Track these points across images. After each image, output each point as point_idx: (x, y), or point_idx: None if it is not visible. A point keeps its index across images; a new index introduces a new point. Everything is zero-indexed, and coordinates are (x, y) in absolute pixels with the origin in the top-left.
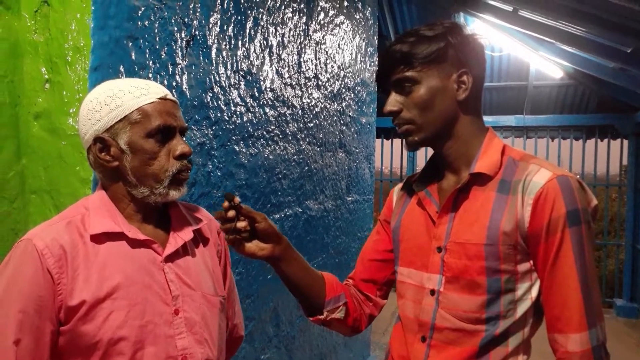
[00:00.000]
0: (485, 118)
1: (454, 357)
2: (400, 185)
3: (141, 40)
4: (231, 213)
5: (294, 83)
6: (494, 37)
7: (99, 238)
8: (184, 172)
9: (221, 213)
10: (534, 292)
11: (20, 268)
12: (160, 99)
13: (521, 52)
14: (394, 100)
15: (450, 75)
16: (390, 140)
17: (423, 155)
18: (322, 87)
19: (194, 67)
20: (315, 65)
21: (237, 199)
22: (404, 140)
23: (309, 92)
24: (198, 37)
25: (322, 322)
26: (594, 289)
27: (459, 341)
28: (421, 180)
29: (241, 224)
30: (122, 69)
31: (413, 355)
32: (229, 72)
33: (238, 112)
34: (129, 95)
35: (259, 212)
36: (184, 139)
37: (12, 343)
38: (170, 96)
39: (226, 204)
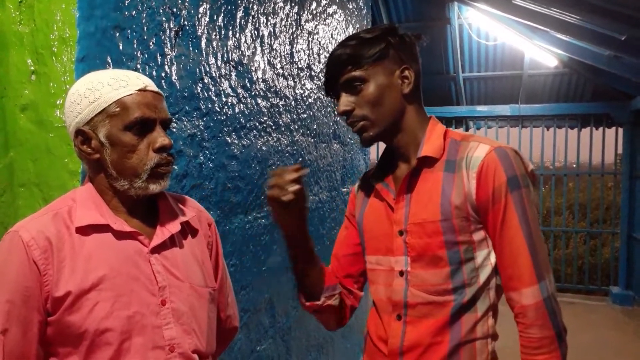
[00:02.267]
0: (480, 108)
1: (429, 329)
2: (359, 181)
3: (128, 31)
4: (291, 175)
5: (286, 74)
6: (488, 26)
7: (85, 230)
8: (164, 166)
9: (281, 169)
10: (493, 258)
11: (7, 260)
12: (139, 90)
13: (515, 41)
14: (346, 101)
15: (393, 72)
16: None
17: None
18: (315, 77)
19: (183, 58)
20: (308, 56)
21: (303, 172)
22: (358, 137)
23: (302, 82)
24: (187, 27)
25: (316, 308)
26: (539, 245)
27: (432, 313)
28: (377, 173)
29: (292, 189)
30: (109, 59)
31: (391, 334)
32: (219, 63)
33: (229, 103)
34: (107, 87)
35: (305, 196)
36: (168, 130)
37: None
38: (151, 87)
39: (293, 167)
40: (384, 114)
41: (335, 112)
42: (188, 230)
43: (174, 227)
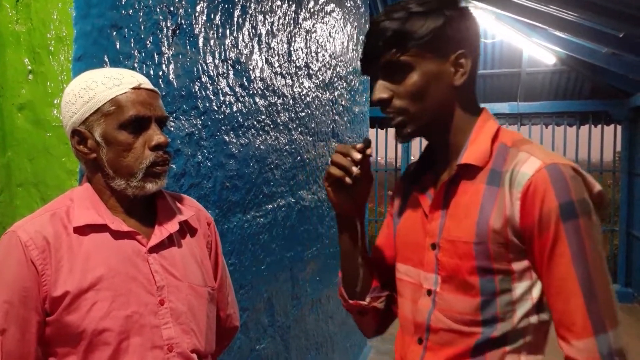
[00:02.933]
0: None
1: (449, 358)
2: (402, 176)
3: (125, 30)
4: (357, 156)
5: (284, 72)
6: (487, 23)
7: (83, 230)
8: (160, 165)
9: (347, 146)
10: (536, 292)
11: (5, 260)
12: (133, 88)
13: (514, 38)
14: (383, 87)
15: (447, 58)
16: (385, 130)
17: (418, 144)
18: (313, 76)
19: (180, 57)
20: (306, 54)
21: (370, 151)
22: (396, 131)
23: (300, 81)
24: (184, 26)
25: (359, 308)
26: (600, 290)
27: (454, 342)
28: (416, 172)
29: (357, 171)
30: (106, 58)
31: (409, 358)
32: (217, 61)
33: (227, 102)
34: (101, 86)
35: (371, 176)
36: (165, 129)
37: None
38: (146, 85)
39: (360, 145)
40: (427, 109)
41: (371, 98)
42: (187, 229)
43: (172, 226)
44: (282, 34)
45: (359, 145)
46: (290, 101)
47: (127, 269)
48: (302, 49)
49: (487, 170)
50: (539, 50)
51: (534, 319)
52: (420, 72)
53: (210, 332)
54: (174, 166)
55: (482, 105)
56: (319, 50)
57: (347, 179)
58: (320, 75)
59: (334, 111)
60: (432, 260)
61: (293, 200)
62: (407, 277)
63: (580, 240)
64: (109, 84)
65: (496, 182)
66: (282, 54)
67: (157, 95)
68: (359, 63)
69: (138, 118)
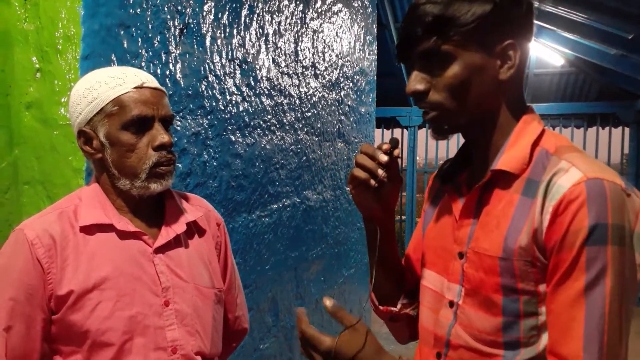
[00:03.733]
0: None
1: None
2: (437, 171)
3: (133, 29)
4: (384, 158)
5: (290, 72)
6: None
7: (89, 229)
8: (164, 165)
9: (372, 147)
10: None
11: (12, 257)
12: (136, 87)
13: None
14: (419, 78)
15: (493, 49)
16: (390, 130)
17: (423, 145)
18: (319, 76)
19: (187, 56)
20: (313, 54)
21: (398, 152)
22: (431, 127)
23: (307, 81)
24: (192, 25)
25: (390, 315)
26: (608, 334)
27: None
28: (450, 171)
29: (383, 174)
30: (114, 57)
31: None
32: (223, 61)
33: (234, 102)
34: (104, 86)
35: (401, 178)
36: (172, 128)
37: (2, 330)
38: (150, 83)
39: (387, 146)
40: (466, 105)
41: (405, 90)
42: (195, 230)
43: (179, 227)
44: (289, 33)
45: (385, 146)
46: (297, 101)
47: (132, 269)
48: (309, 49)
49: (524, 179)
50: (546, 52)
51: None
52: (463, 63)
53: (216, 334)
54: (180, 165)
55: None
56: (325, 50)
57: (373, 182)
58: (326, 75)
59: (340, 111)
60: (458, 270)
61: (298, 200)
62: (430, 284)
63: (603, 271)
64: (111, 83)
65: (532, 193)
66: (289, 53)
67: (161, 94)
68: (395, 49)
69: (140, 118)
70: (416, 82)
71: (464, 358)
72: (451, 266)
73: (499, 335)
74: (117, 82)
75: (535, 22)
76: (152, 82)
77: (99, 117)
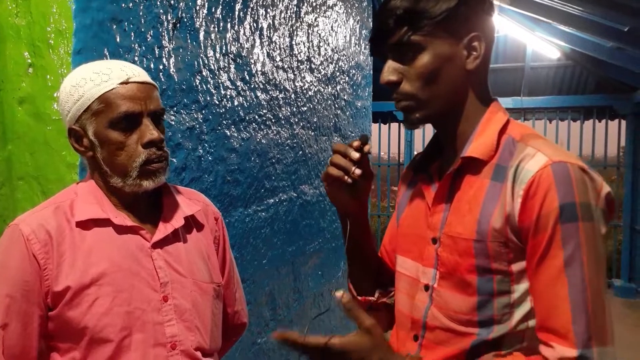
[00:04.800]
0: None
1: (444, 358)
2: (409, 164)
3: (126, 23)
4: (355, 155)
5: (286, 66)
6: None
7: (86, 224)
8: (155, 162)
9: (344, 146)
10: None
11: (7, 253)
12: (121, 83)
13: (517, 32)
14: (391, 69)
15: (460, 40)
16: (387, 124)
17: (420, 138)
18: (315, 70)
19: (181, 50)
20: (308, 48)
21: (369, 147)
22: (403, 117)
23: (302, 75)
24: (185, 20)
25: (368, 304)
26: (592, 302)
27: (450, 342)
28: (422, 161)
29: (358, 171)
30: (106, 52)
31: (405, 354)
32: (217, 55)
33: (228, 96)
34: (90, 83)
35: (372, 172)
36: (166, 123)
37: None
38: (137, 78)
39: (357, 143)
40: (437, 94)
41: (380, 82)
42: (193, 224)
43: (177, 221)
44: (283, 27)
45: (355, 143)
46: (292, 95)
47: (130, 265)
48: (303, 43)
49: (492, 165)
50: (543, 45)
51: (532, 322)
52: (432, 53)
53: (215, 329)
54: (174, 160)
55: None
56: (321, 44)
57: (347, 179)
58: (322, 70)
59: (336, 105)
60: (432, 255)
61: (295, 194)
62: (405, 270)
63: (577, 246)
64: (97, 80)
65: (501, 177)
66: (283, 47)
67: (150, 88)
68: (368, 44)
69: (128, 115)
70: (389, 72)
71: (440, 338)
72: (425, 252)
73: (474, 315)
74: (102, 78)
75: (531, 14)
76: (140, 75)
77: (86, 115)
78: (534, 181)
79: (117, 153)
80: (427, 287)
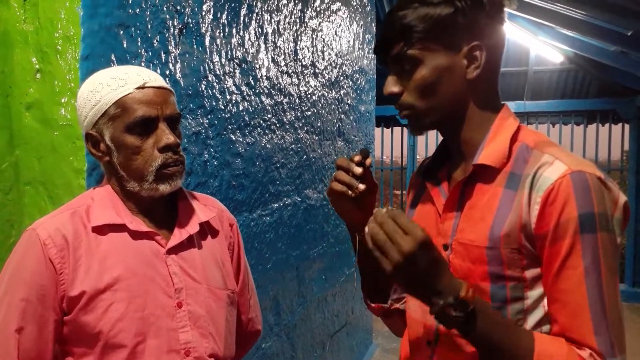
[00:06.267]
0: None
1: None
2: (417, 169)
3: (132, 29)
4: (358, 170)
5: (290, 71)
6: None
7: (102, 229)
8: (172, 166)
9: (346, 161)
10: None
11: (24, 257)
12: (138, 88)
13: (521, 37)
14: (393, 81)
15: (459, 50)
16: (390, 128)
17: (424, 142)
18: (319, 75)
19: (187, 56)
20: (312, 53)
21: (370, 161)
22: (408, 123)
23: (306, 80)
24: (191, 25)
25: (383, 311)
26: (610, 311)
27: (463, 349)
28: (430, 167)
29: (361, 186)
30: (113, 57)
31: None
32: (223, 60)
33: (234, 101)
34: (107, 88)
35: (375, 183)
36: (178, 126)
37: (14, 331)
38: (153, 82)
39: (358, 158)
40: (436, 105)
41: (383, 93)
42: (208, 230)
43: (192, 227)
44: (288, 32)
45: (356, 158)
46: (296, 100)
47: (145, 270)
48: (308, 48)
49: (506, 173)
50: (546, 49)
51: (545, 328)
52: (429, 66)
53: (229, 336)
54: None
55: None
56: (325, 49)
57: (350, 193)
58: (326, 74)
59: (340, 110)
60: None
61: (299, 199)
62: None
63: (596, 256)
64: (113, 85)
65: (515, 185)
66: (288, 52)
67: (166, 93)
68: (373, 63)
69: (144, 119)
70: (390, 85)
71: (455, 344)
72: None
73: None
74: (119, 83)
75: (534, 19)
76: (156, 80)
77: (103, 120)
78: (553, 189)
79: (133, 157)
80: None
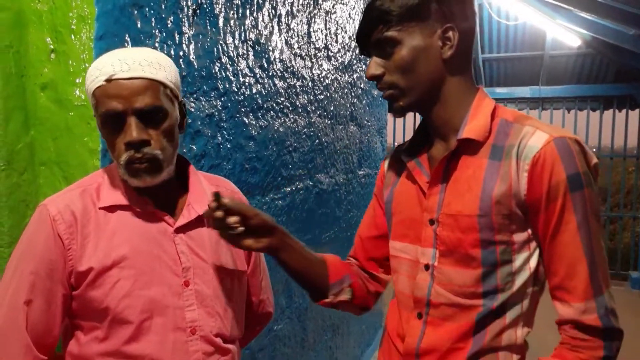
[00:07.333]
0: (499, 89)
1: (451, 333)
2: (390, 155)
3: (146, 9)
4: (219, 213)
5: (303, 54)
6: (509, 5)
7: (110, 207)
8: (136, 163)
9: (209, 212)
10: (533, 263)
11: (35, 232)
12: (106, 80)
13: (537, 20)
14: (374, 64)
15: (434, 32)
16: None
17: None
18: (332, 58)
19: (201, 37)
20: (326, 36)
21: (225, 200)
22: (388, 105)
23: (319, 63)
24: (205, 6)
25: (329, 305)
26: (599, 255)
27: (455, 316)
28: (410, 148)
29: (232, 219)
30: (127, 37)
31: (409, 333)
32: (237, 42)
33: (247, 83)
34: (89, 78)
35: (250, 207)
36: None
37: (22, 303)
38: (123, 73)
39: (213, 203)
40: (416, 82)
41: (365, 77)
42: None
43: (201, 207)
44: (301, 14)
45: (212, 204)
46: (309, 83)
47: (152, 249)
48: (321, 30)
49: (489, 146)
50: (563, 33)
51: (530, 289)
52: (408, 46)
53: (237, 317)
54: (194, 147)
55: (503, 88)
56: (338, 31)
57: (229, 232)
58: (339, 57)
59: (353, 94)
60: (431, 235)
61: (311, 183)
62: (404, 253)
63: (585, 210)
64: (92, 76)
65: (499, 156)
66: (301, 35)
67: (138, 84)
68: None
69: (108, 114)
70: (372, 68)
71: (446, 314)
72: (423, 233)
73: (478, 286)
74: (95, 74)
75: (551, 1)
76: (129, 70)
77: (93, 109)
78: (540, 156)
79: (110, 149)
80: (427, 267)
